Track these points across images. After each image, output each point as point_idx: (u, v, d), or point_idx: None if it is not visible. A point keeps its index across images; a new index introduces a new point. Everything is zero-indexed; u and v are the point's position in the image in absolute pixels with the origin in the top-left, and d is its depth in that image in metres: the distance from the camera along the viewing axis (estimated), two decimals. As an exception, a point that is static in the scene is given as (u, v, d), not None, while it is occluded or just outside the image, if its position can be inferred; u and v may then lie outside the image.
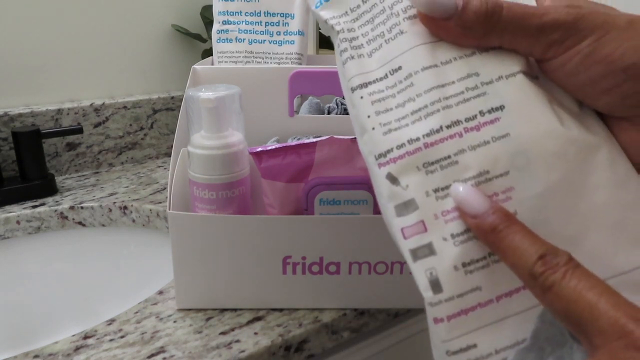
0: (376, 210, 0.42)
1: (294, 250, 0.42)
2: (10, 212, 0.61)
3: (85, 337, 0.41)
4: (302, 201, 0.42)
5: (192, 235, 0.41)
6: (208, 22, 0.80)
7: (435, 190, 0.23)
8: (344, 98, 0.59)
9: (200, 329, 0.41)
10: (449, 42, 0.25)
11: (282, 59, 0.61)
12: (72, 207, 0.62)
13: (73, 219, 0.63)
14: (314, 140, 0.40)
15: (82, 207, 0.63)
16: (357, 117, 0.25)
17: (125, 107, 0.76)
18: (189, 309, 0.44)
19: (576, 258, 0.21)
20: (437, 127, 0.23)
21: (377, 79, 0.25)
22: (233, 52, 0.62)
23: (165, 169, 0.76)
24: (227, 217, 0.41)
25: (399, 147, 0.24)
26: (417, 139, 0.23)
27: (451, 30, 0.24)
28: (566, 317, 0.19)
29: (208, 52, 0.81)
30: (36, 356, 0.39)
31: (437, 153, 0.23)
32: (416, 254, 0.23)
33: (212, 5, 0.72)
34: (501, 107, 0.23)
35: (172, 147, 0.66)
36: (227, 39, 0.62)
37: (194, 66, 0.51)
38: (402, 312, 0.47)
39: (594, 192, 0.23)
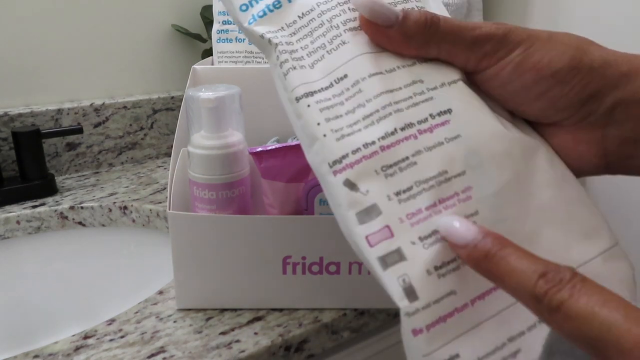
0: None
1: (294, 250, 0.42)
2: (10, 212, 0.61)
3: (85, 337, 0.41)
4: (302, 201, 0.42)
5: (192, 235, 0.41)
6: (208, 22, 0.80)
7: (397, 194, 0.22)
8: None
9: (200, 329, 0.41)
10: (391, 50, 0.25)
11: (282, 59, 0.61)
12: (72, 207, 0.63)
13: (73, 219, 0.63)
14: (314, 140, 0.40)
15: (82, 207, 0.63)
16: (305, 127, 0.24)
17: (125, 107, 0.76)
18: (189, 309, 0.44)
19: (536, 254, 0.20)
20: (392, 130, 0.23)
21: (321, 88, 0.25)
22: (233, 52, 0.62)
23: (165, 169, 0.76)
24: (227, 217, 0.41)
25: (355, 152, 0.23)
26: (373, 143, 0.23)
27: (393, 38, 0.25)
28: (580, 338, 0.17)
29: (208, 52, 0.81)
30: (36, 356, 0.39)
31: (394, 155, 0.23)
32: (385, 261, 0.21)
33: (212, 5, 0.72)
34: (449, 111, 0.24)
35: (172, 147, 0.66)
36: (227, 39, 0.62)
37: (194, 66, 0.51)
38: (402, 312, 0.47)
39: (540, 190, 0.24)
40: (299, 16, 0.27)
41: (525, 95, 0.25)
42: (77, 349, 0.39)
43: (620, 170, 0.26)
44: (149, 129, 0.79)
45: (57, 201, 0.64)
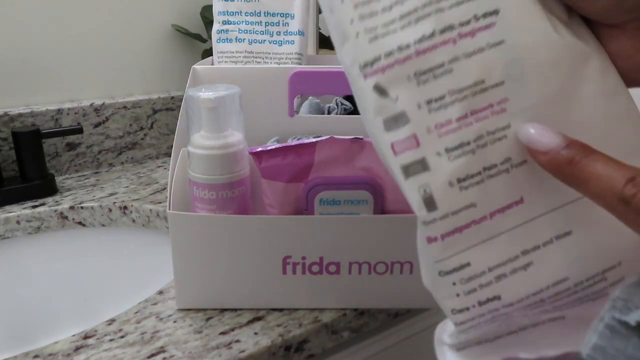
0: (376, 210, 0.42)
1: (294, 250, 0.42)
2: (10, 212, 0.61)
3: (85, 337, 0.41)
4: (302, 201, 0.42)
5: (192, 235, 0.41)
6: (208, 22, 0.80)
7: (428, 102, 0.22)
8: (344, 98, 0.59)
9: (200, 329, 0.41)
10: None
11: (282, 59, 0.61)
12: (72, 207, 0.63)
13: (73, 219, 0.63)
14: (314, 140, 0.40)
15: (82, 207, 0.63)
16: (337, 24, 0.23)
17: (125, 107, 0.76)
18: (189, 309, 0.44)
19: None
20: (430, 33, 0.22)
21: None
22: (233, 52, 0.62)
23: (165, 169, 0.76)
24: (227, 217, 0.41)
25: (388, 55, 0.22)
26: (408, 46, 0.22)
27: None
28: None
29: (208, 52, 0.81)
30: (36, 356, 0.39)
31: (429, 61, 0.22)
32: (408, 170, 0.22)
33: (212, 5, 0.72)
34: (496, 12, 0.22)
35: (172, 147, 0.66)
36: (227, 39, 0.62)
37: (194, 66, 0.51)
38: (402, 312, 0.47)
39: (584, 103, 0.22)
40: None
41: None
42: (77, 349, 0.39)
43: None
44: (149, 129, 0.79)
45: (57, 201, 0.64)
